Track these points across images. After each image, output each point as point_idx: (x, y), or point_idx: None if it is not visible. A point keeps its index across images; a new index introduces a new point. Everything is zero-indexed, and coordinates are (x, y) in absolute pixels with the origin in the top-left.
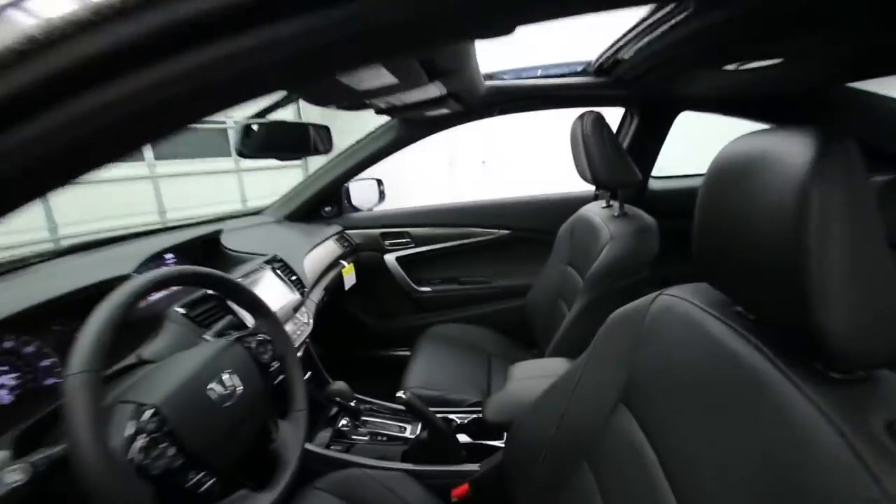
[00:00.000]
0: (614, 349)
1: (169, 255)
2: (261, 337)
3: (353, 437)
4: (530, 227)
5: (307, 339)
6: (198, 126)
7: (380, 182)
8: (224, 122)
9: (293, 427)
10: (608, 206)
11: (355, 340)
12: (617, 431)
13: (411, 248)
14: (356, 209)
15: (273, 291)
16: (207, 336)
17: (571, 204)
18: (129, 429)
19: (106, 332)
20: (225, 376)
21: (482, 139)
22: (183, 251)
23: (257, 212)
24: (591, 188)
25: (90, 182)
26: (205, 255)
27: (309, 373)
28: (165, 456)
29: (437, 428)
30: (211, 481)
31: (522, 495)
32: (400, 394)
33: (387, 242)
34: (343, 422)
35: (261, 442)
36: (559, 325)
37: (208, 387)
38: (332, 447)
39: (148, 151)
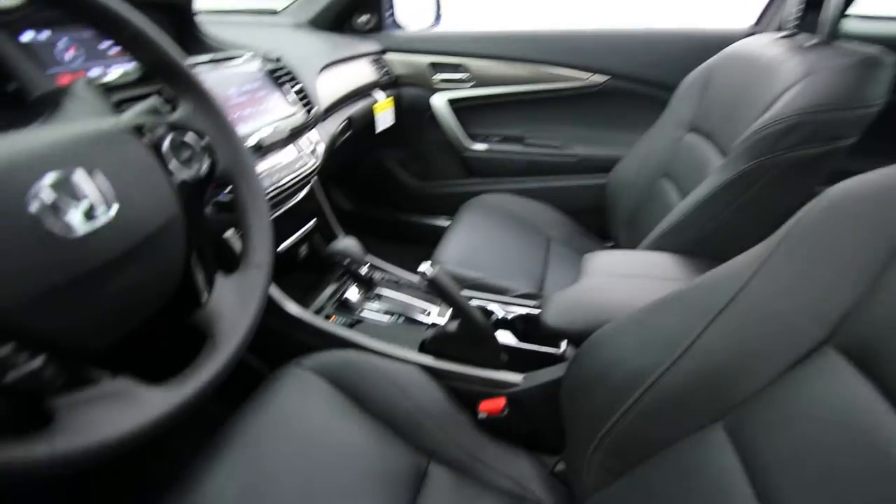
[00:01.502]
0: (834, 256)
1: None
2: (184, 132)
3: (362, 312)
4: (640, 73)
5: (311, 177)
6: None
7: None
8: None
9: (240, 289)
10: (791, 34)
11: (384, 199)
12: (812, 390)
13: (469, 87)
14: (400, 27)
15: (258, 98)
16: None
17: (708, 44)
18: None
19: None
20: (79, 178)
21: None
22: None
23: (272, 12)
24: (742, 24)
25: None
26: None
27: (314, 221)
28: None
29: (470, 317)
30: (33, 362)
31: (585, 440)
32: (424, 266)
33: (437, 77)
34: (351, 290)
35: (175, 307)
36: (656, 214)
37: (30, 190)
38: (331, 319)
39: None
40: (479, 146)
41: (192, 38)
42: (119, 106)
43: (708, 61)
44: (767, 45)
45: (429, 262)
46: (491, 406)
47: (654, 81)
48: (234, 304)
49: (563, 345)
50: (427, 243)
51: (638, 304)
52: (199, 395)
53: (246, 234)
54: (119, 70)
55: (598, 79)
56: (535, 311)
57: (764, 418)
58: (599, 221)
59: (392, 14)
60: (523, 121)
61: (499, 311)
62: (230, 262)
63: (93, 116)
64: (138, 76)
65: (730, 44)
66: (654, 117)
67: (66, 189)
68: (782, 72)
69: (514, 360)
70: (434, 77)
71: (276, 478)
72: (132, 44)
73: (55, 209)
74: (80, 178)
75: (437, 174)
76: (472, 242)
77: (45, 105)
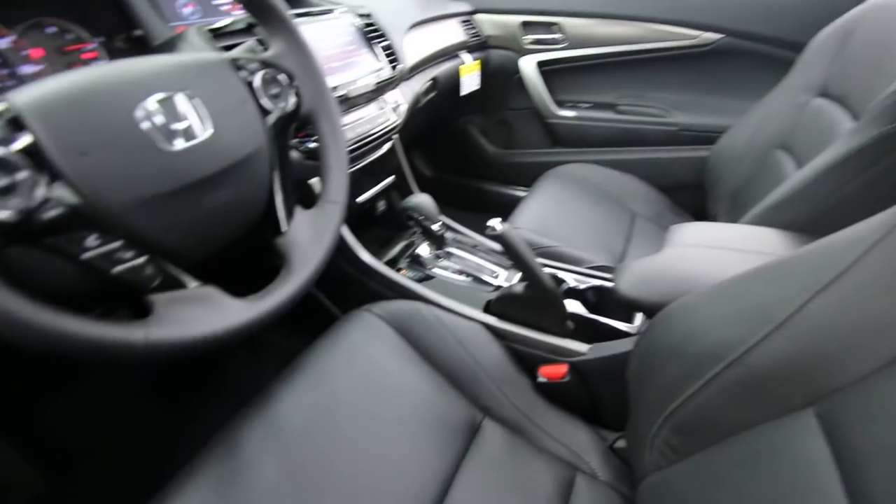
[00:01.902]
0: None
1: None
2: (274, 70)
3: (432, 268)
4: (759, 31)
5: (392, 133)
6: None
7: None
8: None
9: (316, 222)
10: None
11: (465, 167)
12: None
13: (560, 49)
14: None
15: (348, 52)
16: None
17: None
18: None
19: None
20: (179, 100)
21: None
22: None
23: None
24: None
25: None
26: None
27: (392, 178)
28: (25, 194)
29: (537, 279)
30: (138, 260)
31: (651, 416)
32: (493, 221)
33: (527, 38)
34: (423, 246)
35: (257, 231)
36: (767, 191)
37: (139, 106)
38: (402, 272)
39: None
40: (567, 113)
41: None
42: (224, 49)
43: (849, 13)
44: None
45: (498, 219)
46: (551, 371)
47: (777, 39)
48: (309, 235)
49: (638, 321)
50: (505, 213)
51: (725, 277)
52: (273, 313)
53: (324, 171)
54: (227, 19)
55: (710, 37)
56: (609, 284)
57: (865, 407)
58: (697, 198)
59: None
60: (618, 86)
61: (571, 280)
62: (311, 200)
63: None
64: (243, 26)
65: None
66: (773, 81)
67: (169, 109)
68: None
69: (582, 330)
70: (525, 38)
71: (340, 408)
72: None
73: (158, 125)
74: (181, 100)
75: (521, 143)
76: (549, 210)
77: (164, 49)
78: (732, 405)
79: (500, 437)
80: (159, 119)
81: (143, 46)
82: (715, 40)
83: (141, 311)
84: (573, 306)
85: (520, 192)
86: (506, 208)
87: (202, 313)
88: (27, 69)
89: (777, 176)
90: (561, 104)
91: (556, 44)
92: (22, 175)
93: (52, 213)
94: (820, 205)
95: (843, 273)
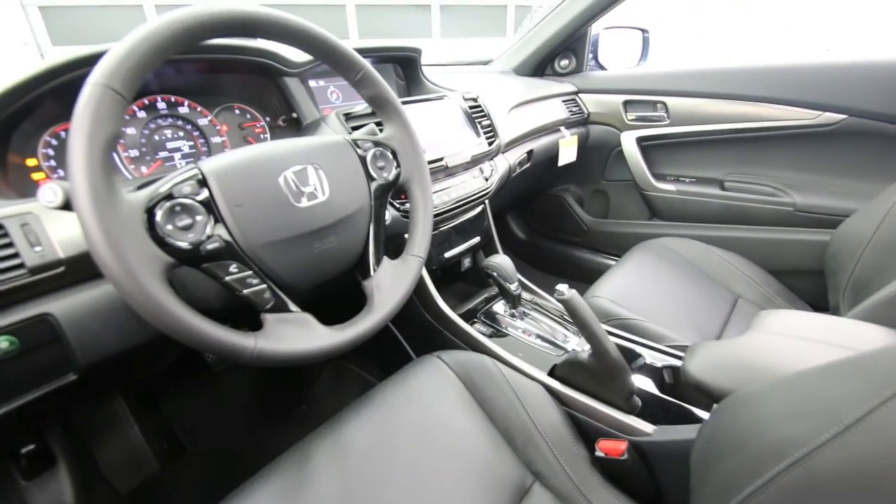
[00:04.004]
0: None
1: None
2: (383, 147)
3: (506, 326)
4: (887, 111)
5: (484, 198)
6: None
7: (645, 32)
8: None
9: (399, 271)
10: None
11: (559, 232)
12: None
13: (663, 125)
14: (602, 67)
15: (452, 129)
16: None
17: None
18: (163, 186)
19: (143, 49)
20: (310, 171)
21: None
22: (379, 59)
23: (486, 62)
24: None
25: None
26: (397, 74)
27: (479, 238)
28: (199, 231)
29: (602, 348)
30: (261, 286)
31: None
32: (562, 286)
33: (630, 115)
34: (498, 304)
35: (350, 273)
36: (890, 279)
37: (282, 174)
38: (475, 325)
39: None
40: (667, 186)
41: (416, 81)
42: (354, 129)
43: None
44: None
45: (566, 285)
46: (610, 447)
47: None
48: (392, 280)
49: (714, 407)
50: (594, 281)
51: (800, 369)
52: (353, 342)
53: (412, 230)
54: (360, 106)
55: (832, 117)
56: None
57: None
58: (816, 286)
59: (595, 56)
60: (725, 162)
61: (648, 356)
62: (398, 252)
63: (332, 134)
64: (369, 111)
65: None
66: None
67: (301, 177)
68: None
69: (652, 410)
70: (627, 115)
71: (399, 440)
72: (360, 82)
73: (293, 188)
74: (310, 171)
75: (617, 213)
76: (635, 282)
77: (311, 128)
78: None
79: None
80: (293, 184)
81: (296, 124)
82: (838, 121)
83: (256, 326)
84: (643, 383)
85: (611, 262)
86: (596, 276)
87: (299, 333)
88: (216, 139)
89: None
90: (661, 178)
91: (660, 121)
92: (199, 217)
93: (212, 246)
94: None
95: None
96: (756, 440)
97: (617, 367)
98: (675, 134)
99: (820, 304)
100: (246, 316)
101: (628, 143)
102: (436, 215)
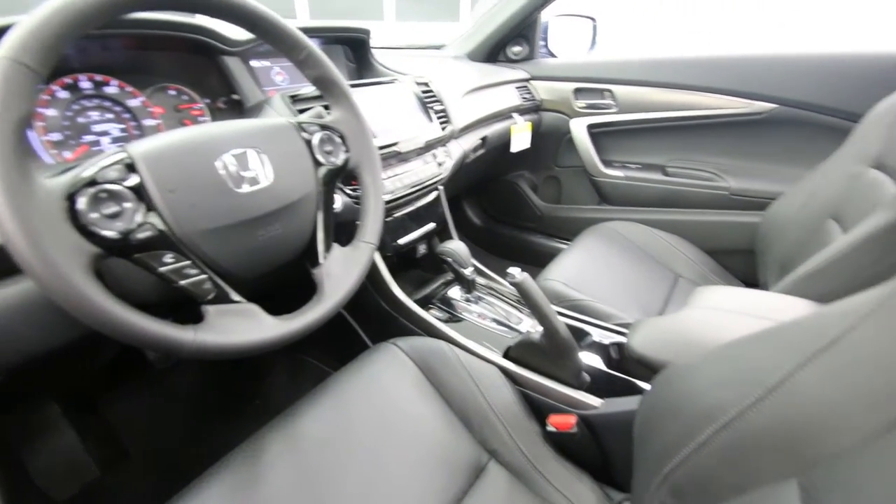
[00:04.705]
0: None
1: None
2: (330, 131)
3: (461, 311)
4: (815, 100)
5: (437, 185)
6: None
7: (594, 21)
8: None
9: (350, 258)
10: None
11: (514, 218)
12: None
13: (611, 113)
14: (553, 55)
15: (404, 114)
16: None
17: None
18: (85, 171)
19: (59, 20)
20: (250, 155)
21: None
22: (327, 40)
23: (438, 47)
24: None
25: None
26: (347, 57)
27: (434, 225)
28: (128, 219)
29: (553, 329)
30: (201, 276)
31: (650, 476)
32: (513, 269)
33: (579, 103)
34: (454, 289)
35: (299, 262)
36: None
37: (219, 157)
38: (431, 311)
39: None
40: (615, 172)
41: (366, 64)
42: (301, 112)
43: None
44: None
45: (518, 268)
46: (560, 421)
47: (833, 109)
48: (342, 268)
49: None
50: (546, 265)
51: (730, 340)
52: (301, 332)
53: (363, 216)
54: (309, 88)
55: (763, 106)
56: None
57: (846, 481)
58: (747, 264)
59: (546, 44)
60: (668, 149)
61: (596, 334)
62: (350, 240)
63: (277, 117)
64: (316, 94)
65: None
66: (828, 150)
67: (241, 160)
68: None
69: (600, 385)
70: (577, 102)
71: (355, 430)
72: (304, 62)
73: (232, 172)
74: (251, 155)
75: (568, 199)
76: (585, 265)
77: (255, 110)
78: (724, 470)
79: (503, 481)
80: (233, 168)
81: (238, 107)
82: (768, 109)
83: (197, 318)
84: (591, 360)
85: (564, 246)
86: (549, 260)
87: (243, 325)
88: (149, 122)
89: (826, 245)
90: (609, 164)
91: (608, 108)
92: (127, 205)
93: (143, 235)
94: (855, 278)
95: (832, 344)
96: (690, 407)
97: (566, 345)
98: (622, 122)
99: (751, 280)
100: (189, 309)
101: (578, 130)
102: (389, 202)
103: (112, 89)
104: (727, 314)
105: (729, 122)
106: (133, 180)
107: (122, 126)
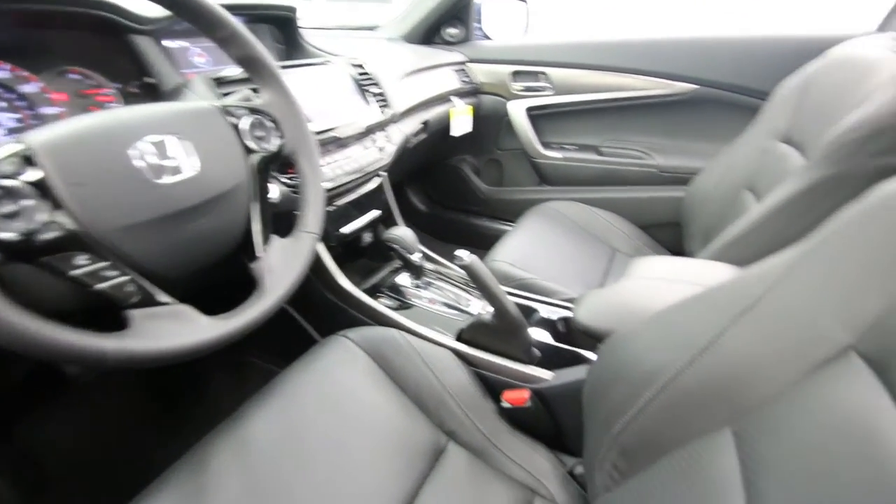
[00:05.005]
0: (873, 257)
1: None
2: (260, 115)
3: (411, 297)
4: (730, 81)
5: (380, 171)
6: None
7: (525, 3)
8: None
9: (291, 250)
10: None
11: (458, 202)
12: (826, 395)
13: (547, 95)
14: (488, 37)
15: (340, 97)
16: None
17: (810, 48)
18: None
19: None
20: (170, 142)
21: None
22: (251, 19)
23: (371, 28)
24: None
25: None
26: (275, 38)
27: (377, 212)
28: (29, 218)
29: (503, 308)
30: (121, 278)
31: (600, 439)
32: (461, 252)
33: (516, 86)
34: (402, 276)
35: (235, 257)
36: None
37: (133, 145)
38: (380, 300)
39: None
40: (553, 154)
41: (296, 45)
42: (225, 96)
43: (809, 66)
44: (878, 47)
45: (466, 251)
46: (514, 397)
47: (746, 89)
48: (283, 261)
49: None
50: (492, 247)
51: (665, 306)
52: (241, 331)
53: (303, 205)
54: (234, 70)
55: (685, 87)
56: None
57: (772, 423)
58: (675, 236)
59: (480, 27)
60: (601, 130)
61: (543, 310)
62: (288, 230)
63: (199, 101)
64: (242, 76)
65: (831, 46)
66: (742, 127)
67: (160, 149)
68: (880, 71)
69: (551, 359)
70: (514, 85)
71: (308, 429)
72: (228, 41)
73: (149, 162)
74: (171, 142)
75: (510, 181)
76: (530, 245)
77: (173, 95)
78: (666, 426)
79: (463, 461)
80: (151, 157)
81: (154, 92)
82: (690, 90)
83: (121, 326)
84: (541, 335)
85: (508, 228)
86: (494, 242)
87: (174, 328)
88: (49, 110)
89: (743, 215)
90: (548, 146)
91: (544, 91)
92: (27, 202)
93: (49, 236)
94: (770, 243)
95: (755, 304)
96: (631, 373)
97: (517, 324)
98: (558, 104)
99: (679, 251)
100: (115, 315)
101: (516, 112)
102: (331, 189)
103: (3, 73)
104: (661, 282)
105: (656, 103)
106: (33, 175)
107: (18, 116)
